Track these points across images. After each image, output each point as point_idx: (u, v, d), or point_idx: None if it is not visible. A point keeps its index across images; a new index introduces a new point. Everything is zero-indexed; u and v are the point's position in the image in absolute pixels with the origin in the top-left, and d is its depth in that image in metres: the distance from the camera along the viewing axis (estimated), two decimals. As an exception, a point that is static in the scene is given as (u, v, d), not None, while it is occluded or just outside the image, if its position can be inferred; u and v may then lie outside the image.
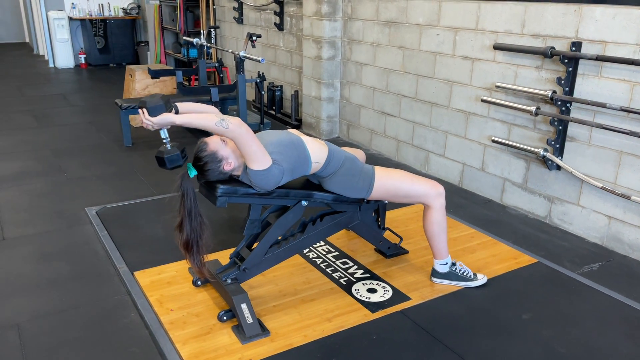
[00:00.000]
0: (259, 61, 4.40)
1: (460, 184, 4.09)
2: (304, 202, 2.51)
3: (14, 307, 2.49)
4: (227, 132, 2.14)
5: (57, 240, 3.13)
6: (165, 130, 2.22)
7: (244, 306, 2.33)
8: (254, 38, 4.67)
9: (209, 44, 5.27)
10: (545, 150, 3.35)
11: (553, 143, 3.31)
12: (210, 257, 2.72)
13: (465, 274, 2.69)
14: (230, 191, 2.29)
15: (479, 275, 2.72)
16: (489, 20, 3.62)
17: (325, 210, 2.67)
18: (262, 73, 4.78)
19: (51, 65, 9.51)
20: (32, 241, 3.12)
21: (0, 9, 12.63)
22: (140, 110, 2.16)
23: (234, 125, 2.13)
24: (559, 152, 3.31)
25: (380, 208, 2.88)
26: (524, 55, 3.42)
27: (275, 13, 5.92)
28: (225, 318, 2.38)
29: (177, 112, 2.22)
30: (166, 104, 2.16)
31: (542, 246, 3.17)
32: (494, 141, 3.66)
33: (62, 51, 9.36)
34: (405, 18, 4.31)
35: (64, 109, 6.43)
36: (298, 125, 5.67)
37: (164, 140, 2.21)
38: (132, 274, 2.76)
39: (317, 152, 2.45)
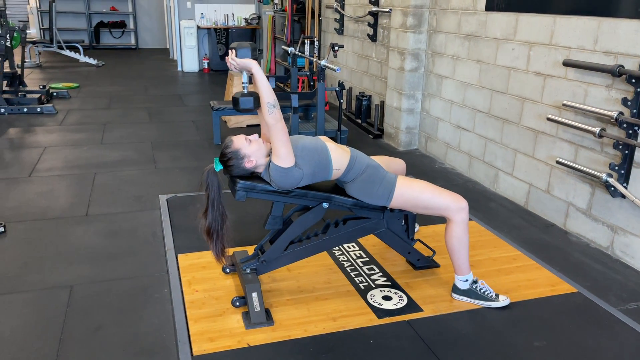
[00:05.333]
0: (334, 70, 4.57)
1: (526, 206, 3.91)
2: (325, 205, 2.62)
3: (73, 272, 2.90)
4: (267, 116, 2.35)
5: (127, 221, 3.55)
6: (247, 76, 2.48)
7: (254, 295, 2.50)
8: (336, 48, 4.85)
9: (300, 53, 5.55)
10: (609, 175, 3.11)
11: (617, 168, 3.07)
12: (246, 249, 2.96)
13: (486, 293, 2.62)
14: (249, 186, 2.48)
15: (502, 297, 2.63)
16: (563, 35, 3.45)
17: (350, 215, 2.76)
18: (342, 82, 4.93)
19: (179, 69, 10.50)
20: (107, 219, 3.57)
21: (148, 18, 14.20)
22: (230, 51, 2.46)
23: (276, 117, 2.35)
24: (624, 178, 3.06)
25: (409, 219, 2.90)
26: (594, 73, 3.21)
27: (369, 25, 6.06)
28: (238, 304, 2.56)
29: None
30: (253, 51, 2.48)
31: (591, 277, 2.96)
32: (558, 162, 3.46)
33: (189, 56, 10.31)
34: (484, 32, 4.22)
35: (176, 107, 7.12)
36: (379, 135, 5.74)
37: (243, 84, 2.51)
38: (176, 256, 3.06)
39: (339, 159, 2.55)
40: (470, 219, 3.64)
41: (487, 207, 3.95)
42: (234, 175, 2.51)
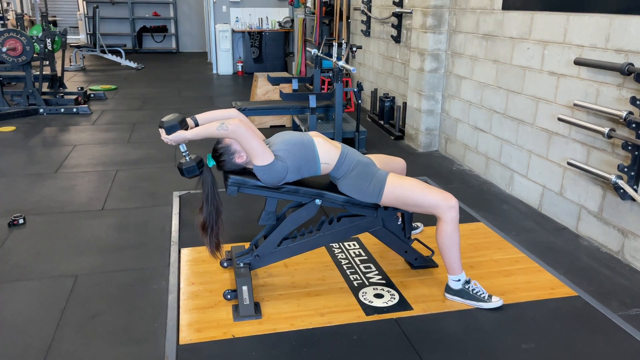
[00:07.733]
0: (351, 70, 4.58)
1: (540, 208, 3.81)
2: (318, 201, 2.64)
3: (81, 262, 3.02)
4: (228, 134, 2.37)
5: (139, 215, 3.67)
6: (184, 144, 2.49)
7: (244, 288, 2.54)
8: (354, 49, 4.86)
9: (321, 55, 5.59)
10: (619, 177, 3.00)
11: (627, 170, 2.96)
12: (245, 244, 3.02)
13: (478, 293, 2.58)
14: (240, 182, 2.53)
15: (494, 298, 2.58)
16: (576, 33, 3.36)
17: (345, 213, 2.77)
18: (361, 82, 4.94)
19: (214, 71, 10.73)
20: (121, 214, 3.70)
21: (189, 23, 14.57)
22: (160, 130, 2.42)
23: (233, 126, 2.36)
24: (634, 180, 2.95)
25: (405, 217, 2.88)
26: (605, 71, 3.12)
27: (393, 26, 6.05)
28: (229, 297, 2.62)
29: (196, 124, 2.52)
30: (181, 123, 2.41)
31: (596, 281, 2.86)
32: (569, 164, 3.37)
33: (224, 59, 10.52)
34: (501, 31, 4.15)
35: (205, 109, 7.22)
36: (400, 136, 5.71)
37: (183, 154, 2.46)
38: (179, 249, 3.15)
39: (327, 153, 2.57)
40: (478, 220, 3.59)
41: (499, 209, 3.87)
42: (226, 171, 2.57)
